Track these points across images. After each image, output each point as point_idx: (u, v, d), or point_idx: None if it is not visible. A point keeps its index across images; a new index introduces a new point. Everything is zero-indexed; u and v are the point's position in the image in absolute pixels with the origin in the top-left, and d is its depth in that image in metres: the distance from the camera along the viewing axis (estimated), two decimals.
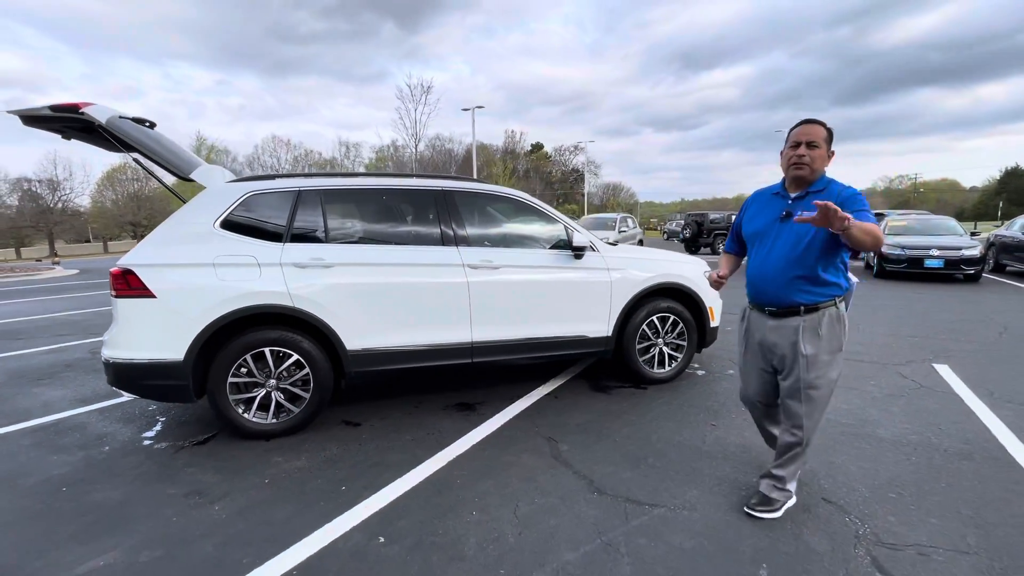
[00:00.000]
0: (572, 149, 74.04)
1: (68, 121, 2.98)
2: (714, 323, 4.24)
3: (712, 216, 20.40)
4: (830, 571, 1.93)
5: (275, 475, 2.75)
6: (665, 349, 4.14)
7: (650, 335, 4.07)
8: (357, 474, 2.75)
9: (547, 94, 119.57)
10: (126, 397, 3.99)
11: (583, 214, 64.90)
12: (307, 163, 65.94)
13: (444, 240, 3.52)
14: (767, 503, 2.28)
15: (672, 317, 4.09)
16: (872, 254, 11.63)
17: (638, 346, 4.03)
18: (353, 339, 3.26)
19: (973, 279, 10.31)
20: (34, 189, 39.92)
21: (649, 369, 4.09)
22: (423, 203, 3.58)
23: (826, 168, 2.13)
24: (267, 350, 3.12)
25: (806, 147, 2.05)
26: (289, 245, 3.20)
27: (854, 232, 1.79)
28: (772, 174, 43.18)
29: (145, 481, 2.71)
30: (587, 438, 3.15)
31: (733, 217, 20.89)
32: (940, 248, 10.28)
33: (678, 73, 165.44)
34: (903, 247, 10.58)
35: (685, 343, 4.16)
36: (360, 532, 2.23)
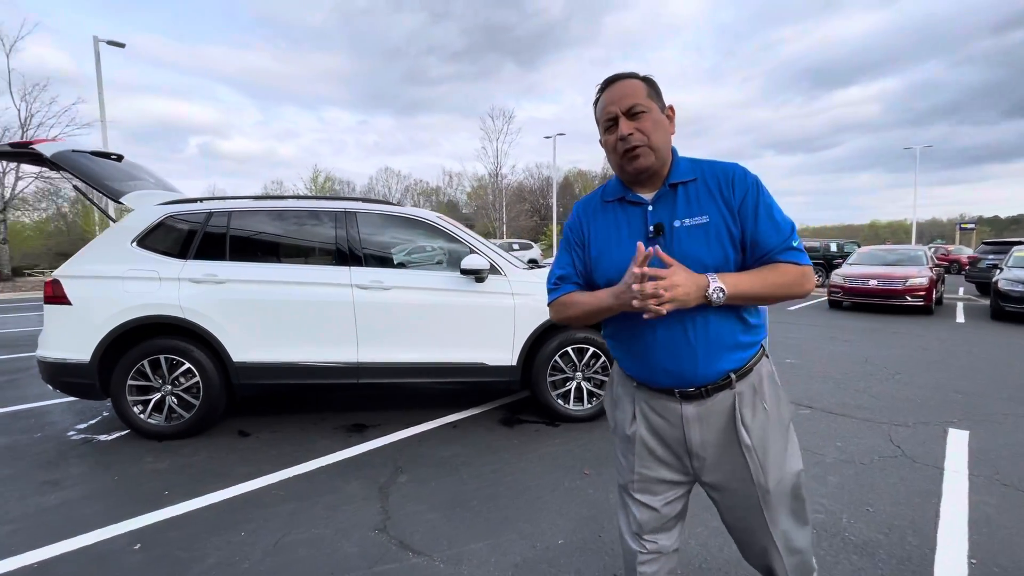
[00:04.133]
0: None
1: (29, 155, 3.59)
2: None
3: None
4: None
5: (129, 474, 2.96)
6: (584, 384, 3.76)
7: (565, 368, 3.73)
8: (192, 482, 2.85)
9: None
10: None
11: None
12: (416, 191, 71.36)
13: (339, 260, 3.59)
14: None
15: (592, 349, 3.72)
16: (991, 291, 9.53)
17: (551, 379, 3.72)
18: (240, 352, 3.43)
19: None
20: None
21: (563, 405, 3.73)
22: (324, 224, 3.69)
23: (671, 137, 1.27)
24: (162, 357, 3.40)
25: (627, 119, 1.19)
26: (191, 262, 3.49)
27: (737, 298, 1.13)
28: (918, 197, 36.59)
29: (31, 467, 3.06)
30: (438, 472, 2.95)
31: (832, 246, 18.11)
32: None
33: (808, 92, 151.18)
34: None
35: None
36: (129, 537, 2.30)
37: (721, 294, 1.10)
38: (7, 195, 16.70)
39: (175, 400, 3.44)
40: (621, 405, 1.36)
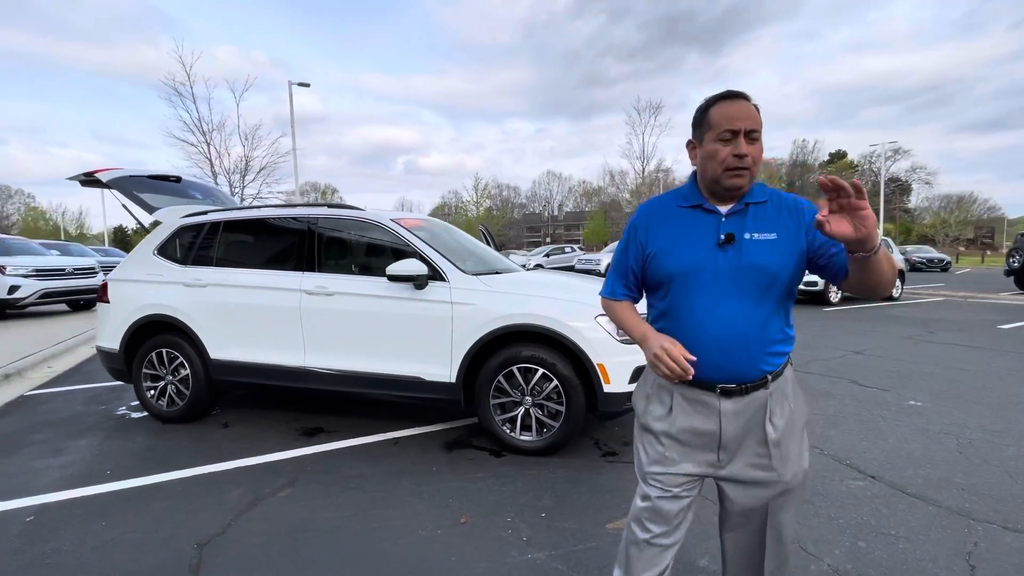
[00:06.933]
0: (892, 154, 58.13)
1: (96, 181, 4.45)
2: (611, 387, 3.02)
3: None
4: None
5: (111, 450, 3.43)
6: (534, 411, 3.18)
7: (511, 391, 3.20)
8: (140, 464, 3.18)
9: (880, 92, 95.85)
10: None
11: (900, 235, 50.03)
12: (578, 192, 71.69)
13: (298, 265, 3.67)
14: None
15: (540, 370, 3.12)
16: None
17: (499, 401, 3.24)
18: (215, 349, 3.74)
19: None
20: None
21: (509, 432, 3.22)
22: (293, 230, 3.81)
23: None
24: (164, 351, 3.89)
25: (746, 140, 1.27)
26: (188, 267, 3.93)
27: (883, 258, 1.15)
28: None
29: (65, 434, 3.76)
30: (323, 491, 2.78)
31: None
32: None
33: None
34: None
35: (563, 407, 3.11)
36: (34, 509, 2.64)
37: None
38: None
39: (174, 389, 3.91)
40: (657, 399, 1.44)
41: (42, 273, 9.66)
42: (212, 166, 19.92)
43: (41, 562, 2.18)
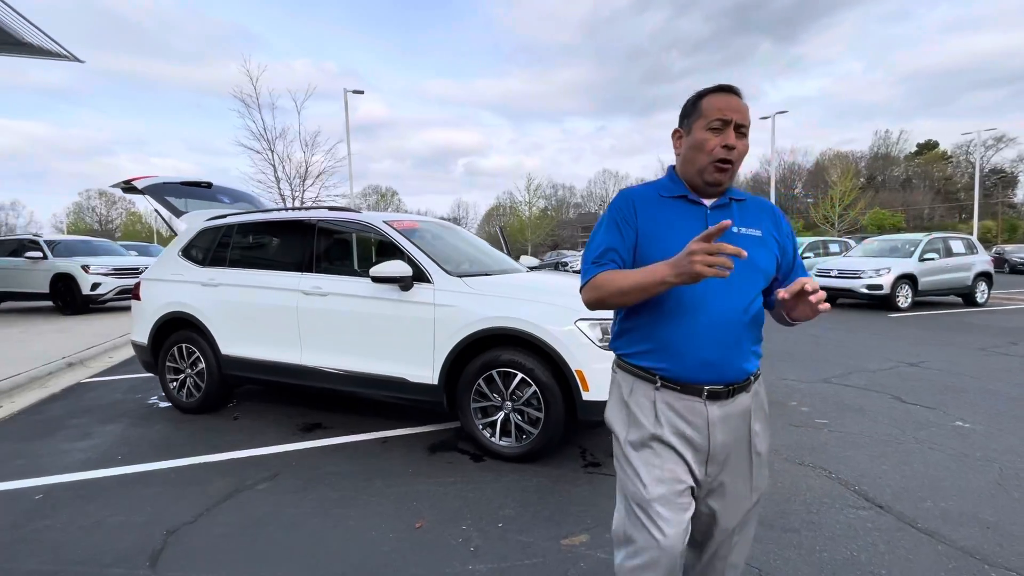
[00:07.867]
0: (992, 143, 52.07)
1: (134, 189, 4.82)
2: (590, 394, 2.88)
3: None
4: None
5: (131, 436, 3.71)
6: (514, 417, 3.10)
7: (491, 395, 3.14)
8: (149, 451, 3.41)
9: (984, 74, 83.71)
10: None
11: (1007, 233, 44.55)
12: None
13: (301, 266, 3.80)
14: None
15: (519, 375, 3.04)
16: None
17: (480, 405, 3.19)
18: (226, 345, 3.96)
19: None
20: None
21: (487, 437, 3.16)
22: (297, 232, 3.95)
23: None
24: (184, 346, 4.16)
25: (735, 134, 1.26)
26: (205, 268, 4.18)
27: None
28: None
29: (98, 420, 4.11)
30: (301, 486, 2.86)
31: None
32: None
33: None
34: None
35: (542, 414, 3.00)
36: (46, 488, 2.89)
37: None
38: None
39: (192, 382, 4.17)
40: (637, 407, 1.33)
41: (120, 271, 10.68)
42: (275, 171, 21.18)
43: (32, 537, 2.38)
